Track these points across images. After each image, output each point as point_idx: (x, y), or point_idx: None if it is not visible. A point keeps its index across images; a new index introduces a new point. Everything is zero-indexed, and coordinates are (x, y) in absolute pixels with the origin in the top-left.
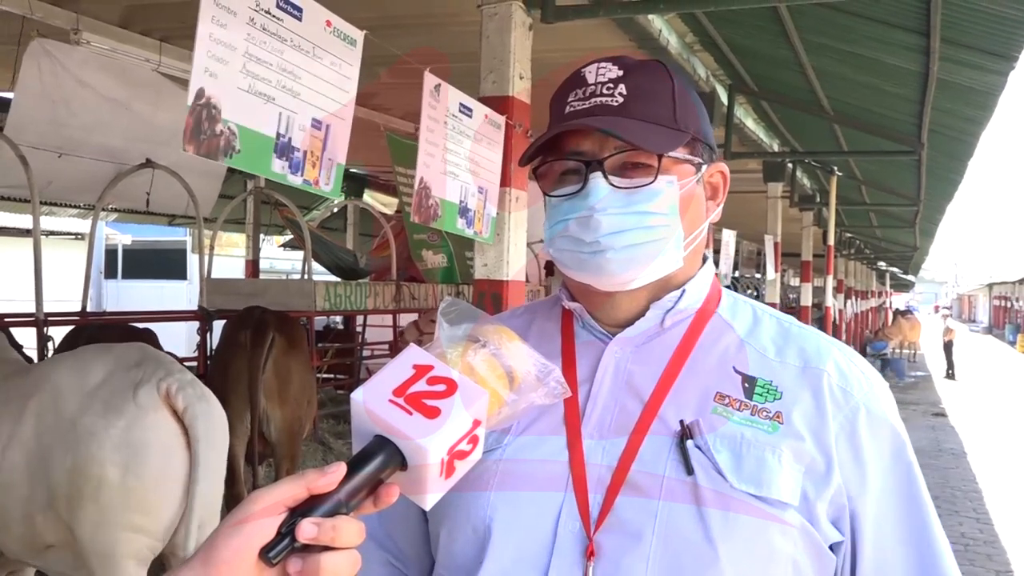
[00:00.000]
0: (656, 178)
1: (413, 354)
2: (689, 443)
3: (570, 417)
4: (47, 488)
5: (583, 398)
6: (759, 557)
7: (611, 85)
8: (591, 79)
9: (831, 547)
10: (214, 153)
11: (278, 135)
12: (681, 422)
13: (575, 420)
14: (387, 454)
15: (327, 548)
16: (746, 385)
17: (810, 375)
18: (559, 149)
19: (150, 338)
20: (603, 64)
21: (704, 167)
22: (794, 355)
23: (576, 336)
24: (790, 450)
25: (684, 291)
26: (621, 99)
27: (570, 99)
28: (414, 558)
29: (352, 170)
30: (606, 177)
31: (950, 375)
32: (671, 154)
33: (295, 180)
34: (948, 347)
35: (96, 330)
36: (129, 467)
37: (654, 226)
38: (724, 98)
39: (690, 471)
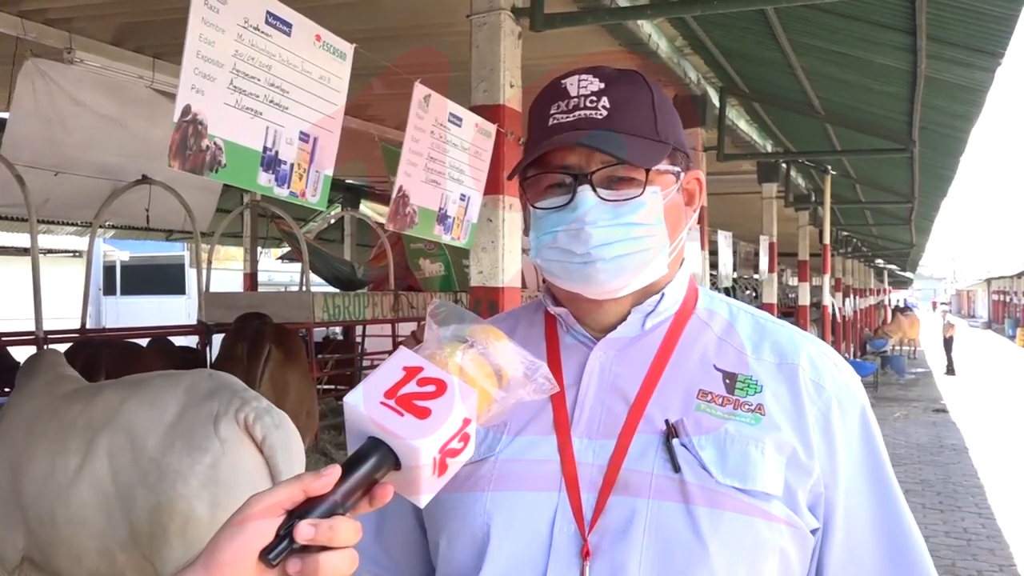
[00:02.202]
0: (643, 191)
1: (403, 356)
2: (675, 441)
3: (559, 420)
4: (129, 526)
5: (571, 402)
6: (747, 549)
7: (594, 98)
8: (573, 92)
9: (813, 532)
10: (199, 168)
11: (265, 149)
12: (667, 421)
13: (564, 423)
14: (381, 455)
15: (325, 548)
16: (727, 381)
17: (786, 370)
18: (546, 162)
19: (168, 346)
20: (583, 76)
21: (682, 175)
22: (769, 351)
23: (560, 340)
24: (772, 442)
25: (663, 295)
26: (605, 112)
27: (553, 111)
28: (407, 571)
29: (348, 181)
30: (594, 190)
31: (951, 371)
32: (655, 167)
33: (281, 192)
34: (948, 343)
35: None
36: (218, 502)
37: (641, 236)
38: (716, 100)
39: (676, 469)
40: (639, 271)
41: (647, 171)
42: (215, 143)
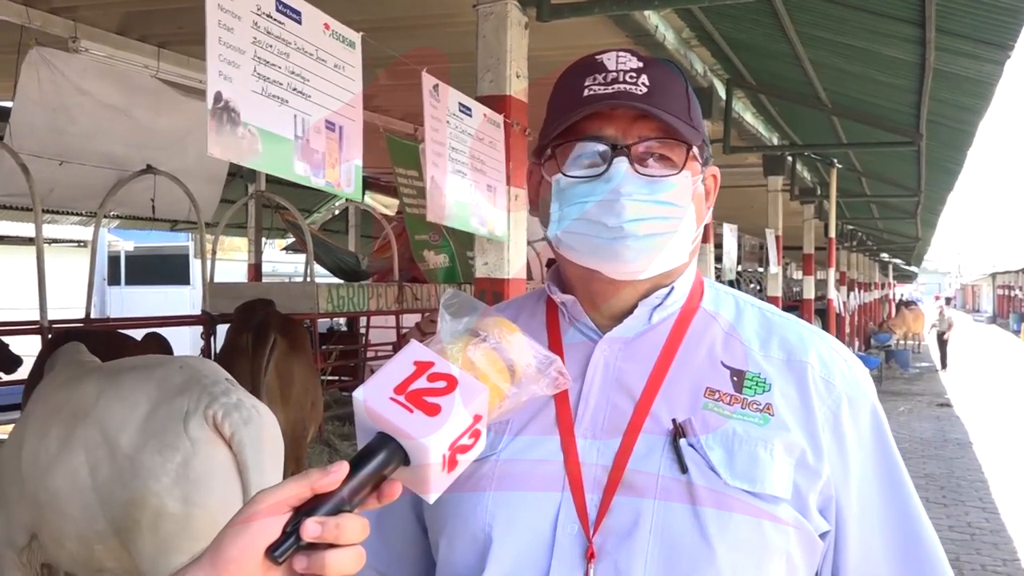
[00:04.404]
0: (680, 171)
1: (414, 350)
2: (682, 441)
3: (562, 417)
4: (109, 519)
5: (574, 397)
6: (754, 553)
7: (633, 74)
8: (611, 66)
9: (821, 536)
10: (239, 155)
11: (296, 137)
12: (674, 421)
13: (568, 420)
14: (389, 451)
15: (331, 545)
16: (735, 379)
17: (794, 367)
18: (577, 131)
19: (162, 344)
20: (621, 53)
21: (704, 168)
22: (777, 347)
23: (563, 333)
24: (781, 443)
25: (672, 288)
26: (645, 88)
27: (588, 83)
28: (408, 566)
29: None
30: (632, 163)
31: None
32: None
33: (319, 182)
34: (941, 339)
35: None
36: (190, 499)
37: (672, 217)
38: (722, 93)
39: (684, 469)
40: (663, 254)
41: (687, 151)
42: (249, 131)
